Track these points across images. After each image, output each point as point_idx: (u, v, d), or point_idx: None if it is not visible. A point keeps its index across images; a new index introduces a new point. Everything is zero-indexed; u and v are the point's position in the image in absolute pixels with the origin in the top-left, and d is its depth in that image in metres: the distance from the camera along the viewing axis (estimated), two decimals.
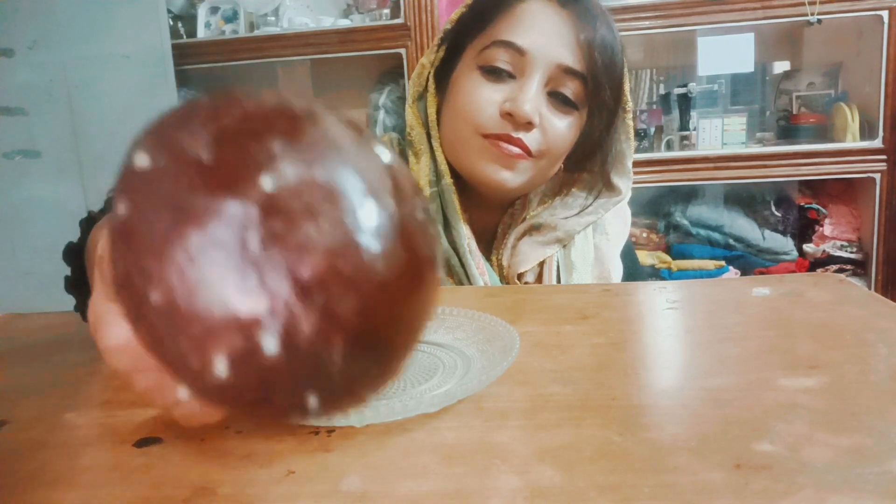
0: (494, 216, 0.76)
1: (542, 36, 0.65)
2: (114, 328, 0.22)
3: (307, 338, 0.16)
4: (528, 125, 0.65)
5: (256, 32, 2.11)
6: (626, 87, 0.71)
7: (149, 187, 0.17)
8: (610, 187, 0.74)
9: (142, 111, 1.74)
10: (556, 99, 0.67)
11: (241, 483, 0.28)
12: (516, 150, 0.66)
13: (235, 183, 0.16)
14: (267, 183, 0.16)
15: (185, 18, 2.18)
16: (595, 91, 0.67)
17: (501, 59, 0.66)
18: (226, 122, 0.17)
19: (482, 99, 0.66)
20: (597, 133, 0.70)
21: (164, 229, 0.16)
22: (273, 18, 2.14)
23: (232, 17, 2.15)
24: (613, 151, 0.73)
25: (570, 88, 0.66)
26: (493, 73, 0.66)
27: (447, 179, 0.71)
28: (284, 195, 0.16)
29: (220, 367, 0.16)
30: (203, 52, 2.11)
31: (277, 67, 2.33)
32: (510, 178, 0.67)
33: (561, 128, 0.67)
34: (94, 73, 1.68)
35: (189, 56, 2.06)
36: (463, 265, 0.71)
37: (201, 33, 2.16)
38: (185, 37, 2.13)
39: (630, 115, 0.73)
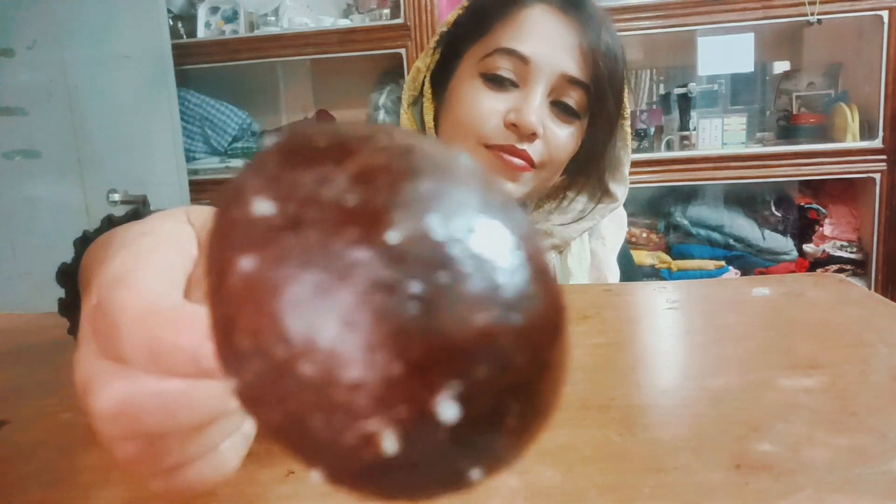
0: None
1: (546, 44, 0.64)
2: (108, 390, 0.19)
3: (485, 399, 0.14)
4: (532, 136, 0.64)
5: (256, 32, 2.11)
6: (626, 93, 0.70)
7: (282, 239, 0.14)
8: (607, 194, 0.73)
9: (142, 111, 1.75)
10: (559, 108, 0.66)
11: (242, 482, 0.28)
12: (520, 161, 0.65)
13: (393, 230, 0.13)
14: (429, 228, 0.13)
15: (185, 18, 2.18)
16: (598, 100, 0.66)
17: (504, 68, 0.64)
18: (363, 159, 0.14)
19: (485, 109, 0.65)
20: (597, 141, 0.69)
21: (314, 289, 0.13)
22: (273, 18, 2.14)
23: (232, 17, 2.15)
24: (612, 158, 0.72)
25: (573, 98, 0.65)
26: (496, 82, 0.65)
27: None
28: (448, 242, 0.14)
29: (390, 442, 0.13)
30: (203, 52, 2.11)
31: (277, 67, 2.33)
32: (514, 189, 0.66)
33: (563, 137, 0.66)
34: (94, 73, 1.67)
35: (189, 56, 2.06)
36: None
37: (201, 33, 2.16)
38: (185, 37, 2.13)
39: (628, 122, 0.72)
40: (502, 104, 0.65)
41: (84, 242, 0.44)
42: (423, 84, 0.72)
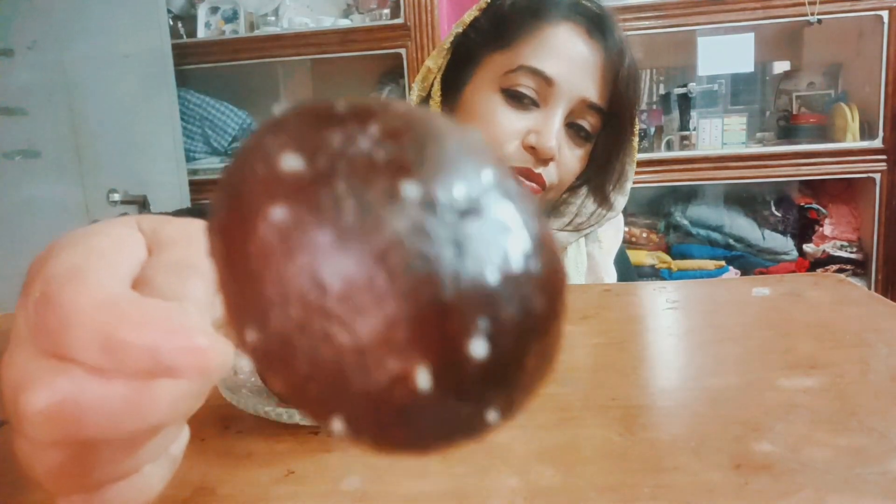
0: None
1: (570, 66, 0.63)
2: (47, 389, 0.17)
3: (510, 338, 0.14)
4: (549, 160, 0.64)
5: (256, 32, 2.11)
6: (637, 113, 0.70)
7: (315, 190, 0.14)
8: (608, 205, 0.73)
9: (142, 111, 1.75)
10: (573, 130, 0.65)
11: (241, 483, 0.28)
12: (534, 185, 0.64)
13: (424, 181, 0.14)
14: (458, 179, 0.15)
15: (185, 18, 2.18)
16: (613, 124, 0.66)
17: (526, 86, 0.63)
18: (386, 121, 0.15)
19: (506, 129, 0.63)
20: (606, 157, 0.69)
21: (351, 234, 0.14)
22: (273, 18, 2.14)
23: (232, 17, 2.15)
24: (618, 173, 0.72)
25: (589, 121, 0.65)
26: (516, 99, 0.64)
27: None
28: (475, 192, 0.15)
29: (423, 378, 0.14)
30: (203, 52, 2.11)
31: (277, 67, 2.33)
32: None
33: (573, 160, 0.66)
34: (94, 73, 1.67)
35: (189, 56, 2.06)
36: None
37: (201, 33, 2.16)
38: (185, 37, 2.13)
39: (636, 139, 0.72)
40: (522, 124, 0.63)
41: None
42: (432, 85, 0.70)
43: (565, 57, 0.63)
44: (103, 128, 1.68)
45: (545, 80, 0.63)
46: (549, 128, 0.62)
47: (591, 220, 0.73)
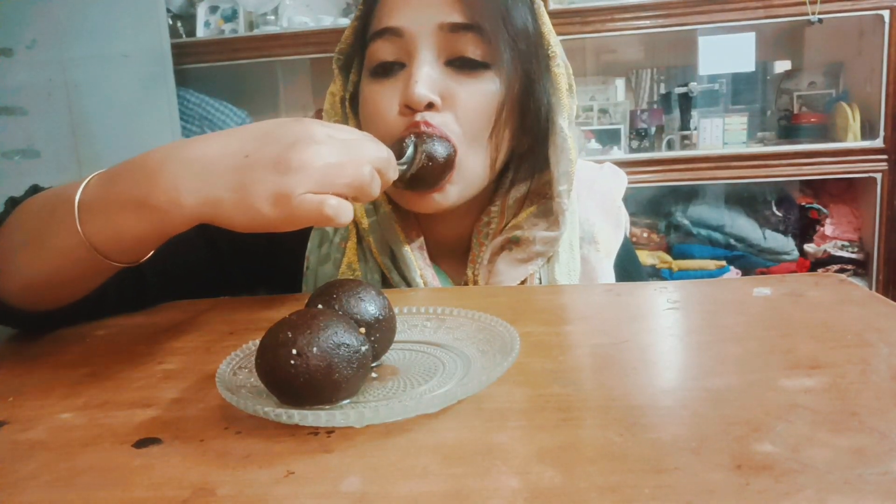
0: (466, 224, 0.66)
1: (413, 6, 0.58)
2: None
3: None
4: (429, 107, 0.57)
5: (256, 32, 2.12)
6: (546, 29, 0.63)
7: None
8: (543, 168, 0.64)
9: (141, 111, 1.75)
10: (460, 64, 0.58)
11: (241, 483, 0.28)
12: (426, 128, 0.57)
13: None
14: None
15: (185, 18, 2.19)
16: (496, 40, 0.58)
17: (385, 51, 0.59)
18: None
19: (380, 106, 0.59)
20: (514, 91, 0.60)
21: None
22: (272, 17, 2.14)
23: (231, 17, 2.15)
24: (544, 104, 0.63)
25: (469, 45, 0.57)
26: (382, 71, 0.59)
27: (384, 209, 0.64)
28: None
29: None
30: (202, 52, 2.11)
31: (277, 66, 2.33)
32: (440, 198, 0.59)
33: (472, 95, 0.58)
34: (94, 72, 1.68)
35: (188, 55, 2.06)
36: None
37: (200, 32, 2.16)
38: (184, 36, 2.13)
39: (557, 62, 0.63)
40: (394, 91, 0.58)
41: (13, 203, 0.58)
42: (341, 107, 0.67)
43: (401, 3, 0.59)
44: (103, 127, 1.68)
45: (395, 34, 0.58)
46: (412, 77, 0.57)
47: (540, 191, 0.65)
